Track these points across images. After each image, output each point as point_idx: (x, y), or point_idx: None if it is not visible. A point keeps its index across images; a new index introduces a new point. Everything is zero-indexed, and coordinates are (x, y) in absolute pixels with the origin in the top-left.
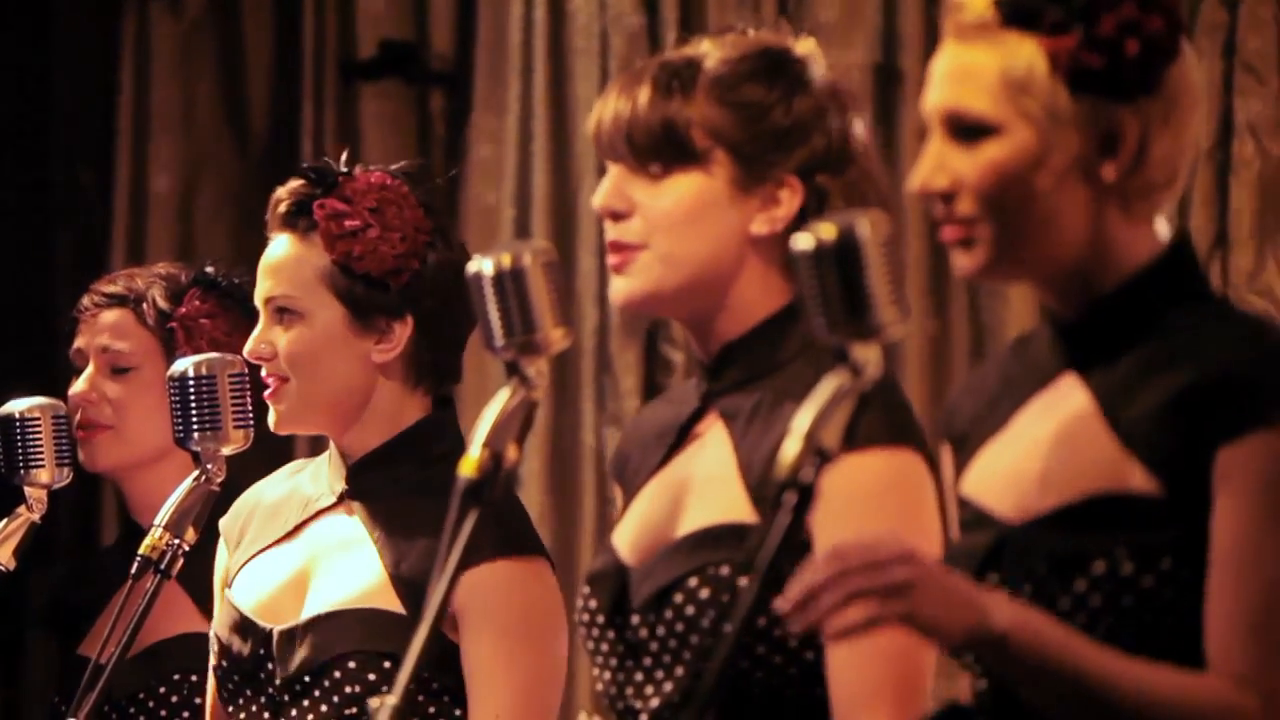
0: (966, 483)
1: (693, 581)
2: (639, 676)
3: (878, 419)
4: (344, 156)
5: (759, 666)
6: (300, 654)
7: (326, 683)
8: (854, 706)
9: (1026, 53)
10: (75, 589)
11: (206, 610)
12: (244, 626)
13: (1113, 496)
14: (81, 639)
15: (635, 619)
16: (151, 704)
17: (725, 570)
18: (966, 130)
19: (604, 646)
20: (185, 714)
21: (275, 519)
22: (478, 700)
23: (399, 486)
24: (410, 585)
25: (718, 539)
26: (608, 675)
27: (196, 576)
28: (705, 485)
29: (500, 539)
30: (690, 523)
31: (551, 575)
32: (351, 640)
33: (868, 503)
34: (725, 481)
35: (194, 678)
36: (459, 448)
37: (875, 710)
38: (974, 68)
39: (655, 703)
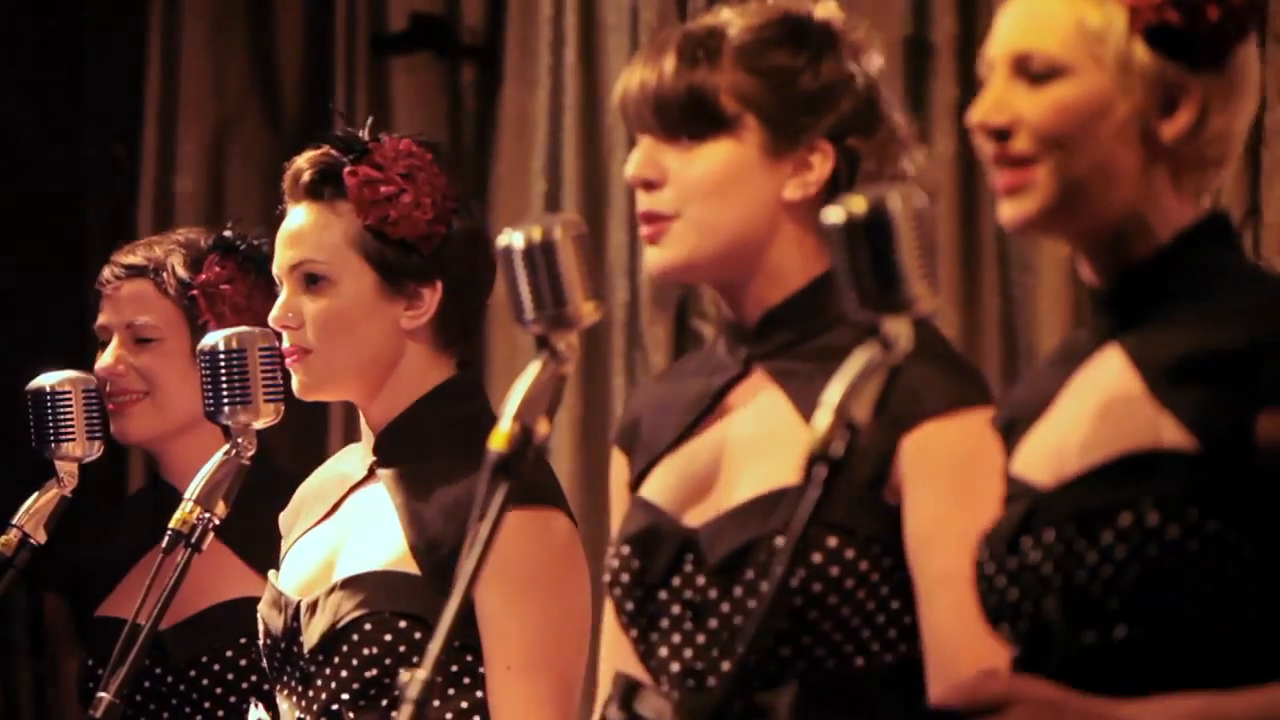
0: (1015, 463)
1: (779, 541)
2: (702, 638)
3: (960, 380)
4: (368, 124)
5: (808, 632)
6: (321, 621)
7: (345, 647)
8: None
9: (1106, 5)
10: (95, 545)
11: (264, 573)
12: (279, 602)
13: (1145, 453)
14: (102, 598)
15: (701, 580)
16: (218, 666)
17: (813, 530)
18: (1033, 71)
19: (650, 607)
20: (254, 677)
21: (318, 501)
22: (490, 653)
23: (422, 450)
24: (426, 546)
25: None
26: (654, 637)
27: (251, 542)
28: (768, 445)
29: (510, 489)
30: (757, 482)
31: (568, 526)
32: (366, 602)
33: (962, 465)
34: (794, 441)
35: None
36: (483, 409)
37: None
38: (1050, 13)
39: (726, 665)
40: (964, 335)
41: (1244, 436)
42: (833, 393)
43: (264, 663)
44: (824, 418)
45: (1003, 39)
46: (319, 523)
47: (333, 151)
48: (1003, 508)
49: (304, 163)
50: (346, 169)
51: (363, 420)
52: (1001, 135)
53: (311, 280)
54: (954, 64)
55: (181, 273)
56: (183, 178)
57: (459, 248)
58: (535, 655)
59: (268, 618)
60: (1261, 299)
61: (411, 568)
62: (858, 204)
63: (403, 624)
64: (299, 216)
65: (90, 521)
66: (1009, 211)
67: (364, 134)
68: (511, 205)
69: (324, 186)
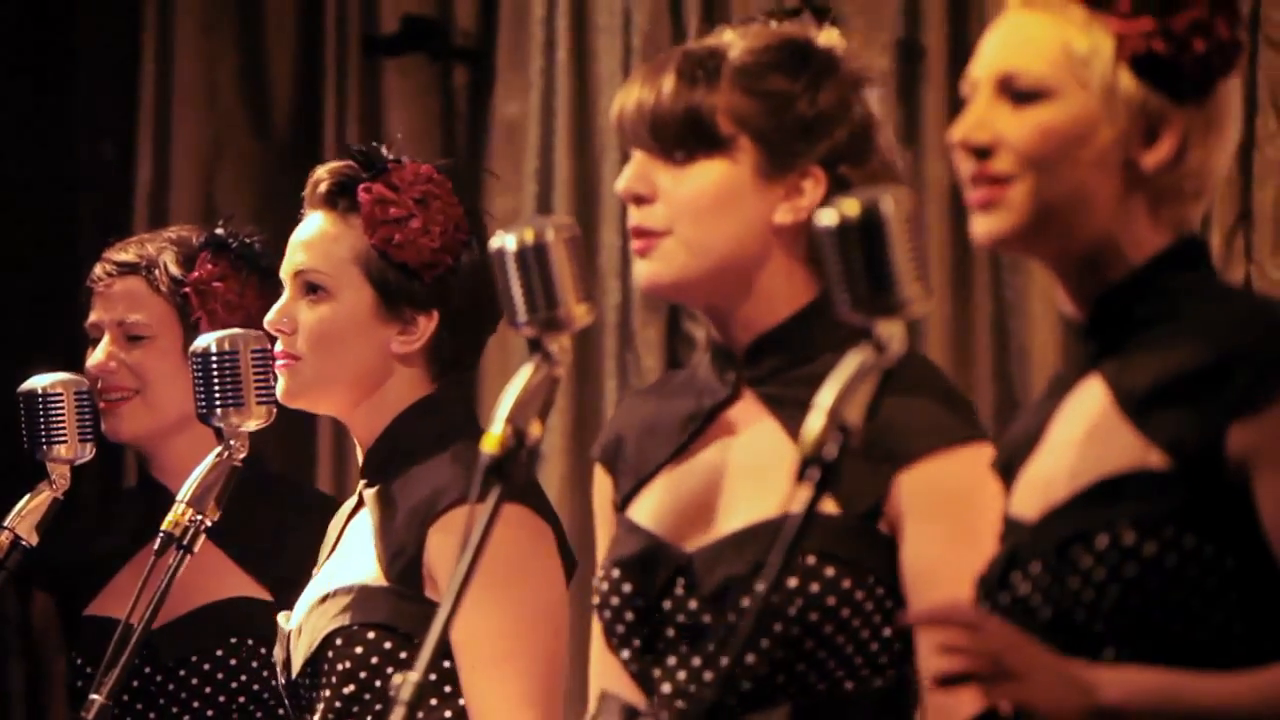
0: (1011, 503)
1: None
2: (696, 662)
3: (959, 416)
4: (394, 145)
5: (802, 658)
6: (301, 645)
7: (324, 666)
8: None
9: (1093, 30)
10: (84, 544)
11: (255, 574)
12: (281, 637)
13: (1122, 476)
14: (91, 597)
15: (694, 604)
16: (207, 666)
17: (811, 559)
18: (1018, 92)
19: (643, 630)
20: (243, 677)
21: (331, 537)
22: (460, 652)
23: (402, 464)
24: (391, 555)
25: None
26: (647, 659)
27: (242, 542)
28: (762, 474)
29: (469, 482)
30: (752, 511)
31: (530, 519)
32: (335, 619)
33: (962, 502)
34: (788, 471)
35: (250, 641)
36: (466, 420)
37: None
38: (1036, 36)
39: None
40: (956, 337)
41: (1216, 450)
42: (825, 395)
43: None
44: (817, 420)
45: (988, 59)
46: (327, 559)
47: (354, 165)
48: (998, 546)
49: (325, 171)
50: (361, 185)
51: (357, 447)
52: (982, 154)
53: (311, 289)
54: (946, 66)
55: (174, 270)
56: (176, 176)
57: (463, 281)
58: (504, 650)
59: (276, 655)
60: (1228, 314)
61: (378, 579)
62: (850, 206)
63: (371, 635)
64: (312, 224)
65: (79, 520)
66: (981, 227)
67: (388, 152)
68: (503, 207)
69: (340, 198)
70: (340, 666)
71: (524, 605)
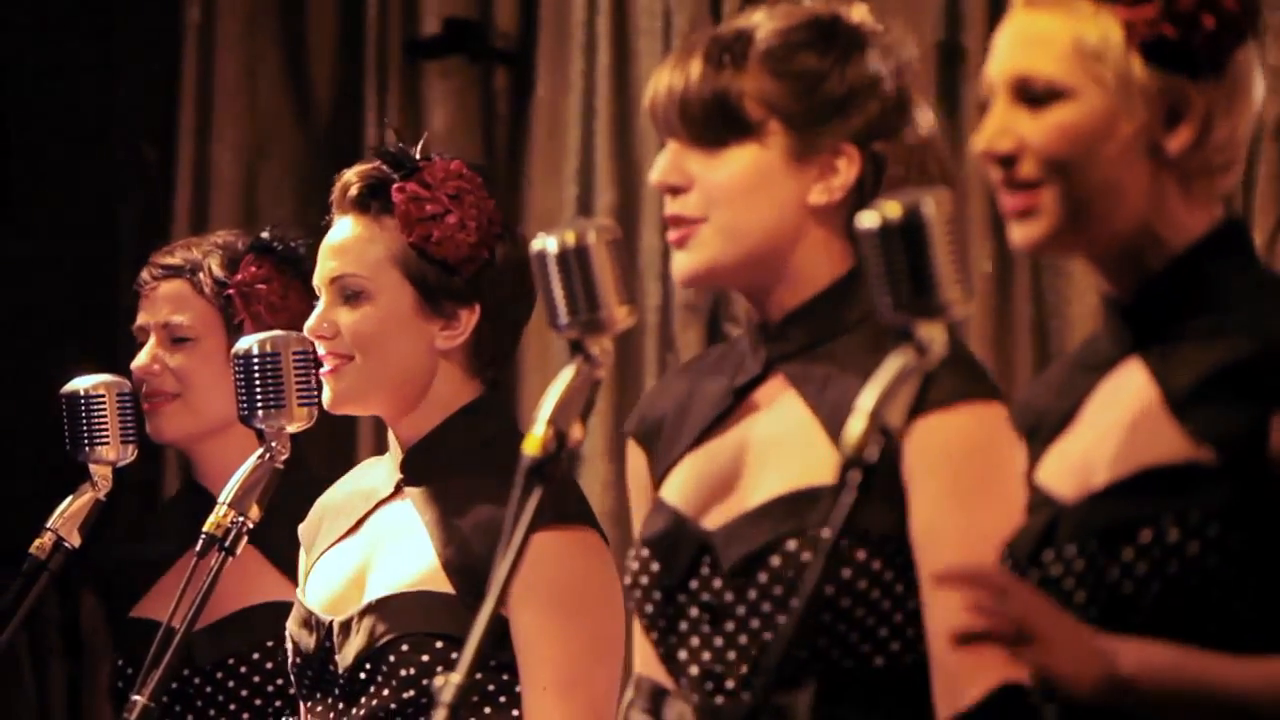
0: (1039, 472)
1: (791, 544)
2: (719, 641)
3: (964, 375)
4: (420, 144)
5: (823, 633)
6: (356, 642)
7: (384, 668)
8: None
9: (1101, 21)
10: (131, 547)
11: (293, 578)
12: (309, 622)
13: (1164, 468)
14: (136, 600)
15: (718, 582)
16: (244, 669)
17: (827, 533)
18: (1034, 94)
19: (669, 610)
20: (279, 680)
21: (342, 515)
22: (526, 674)
23: (450, 469)
24: (460, 565)
25: (812, 501)
26: (673, 639)
27: (281, 546)
28: (784, 448)
29: (543, 499)
30: (773, 486)
31: (601, 546)
32: (402, 624)
33: (964, 459)
34: (809, 444)
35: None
36: (510, 429)
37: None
38: (1045, 34)
39: (745, 669)
40: (996, 339)
41: (1260, 443)
42: (867, 398)
43: (293, 680)
44: (858, 423)
45: (1001, 61)
46: (343, 538)
47: (383, 166)
48: (1024, 516)
49: (353, 175)
50: (395, 185)
51: (391, 436)
52: (1007, 161)
53: (351, 294)
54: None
55: (218, 273)
56: (217, 178)
57: (500, 273)
58: (571, 675)
59: (298, 637)
60: (1272, 307)
61: (444, 585)
62: (892, 209)
63: (439, 644)
64: (344, 228)
65: (126, 524)
66: (1019, 234)
67: (416, 152)
68: (544, 209)
69: (371, 200)
70: (404, 672)
71: (591, 633)
